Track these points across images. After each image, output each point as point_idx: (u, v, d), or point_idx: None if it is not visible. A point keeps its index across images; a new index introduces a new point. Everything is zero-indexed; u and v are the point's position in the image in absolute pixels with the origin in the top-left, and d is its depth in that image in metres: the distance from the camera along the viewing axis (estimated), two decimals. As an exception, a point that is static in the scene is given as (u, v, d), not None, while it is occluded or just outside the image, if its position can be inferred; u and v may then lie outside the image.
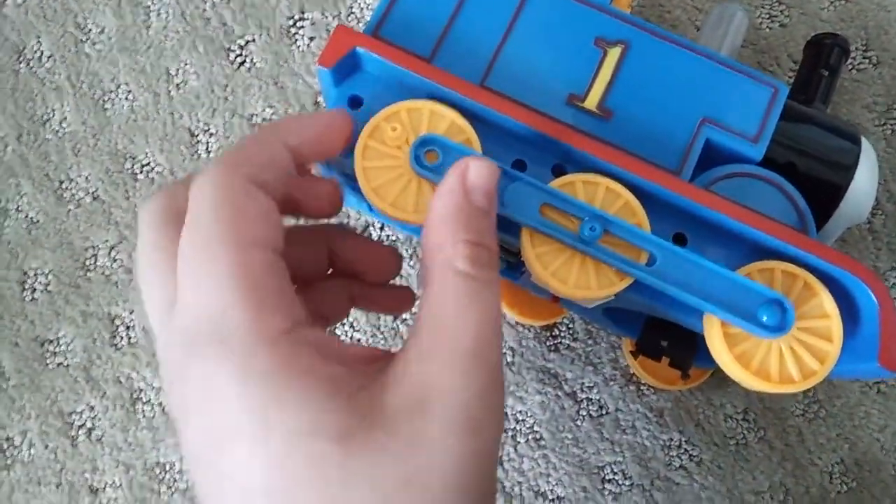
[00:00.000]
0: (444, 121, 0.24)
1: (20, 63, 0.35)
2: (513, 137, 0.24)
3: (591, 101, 0.25)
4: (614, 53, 0.26)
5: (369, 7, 0.35)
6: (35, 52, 0.35)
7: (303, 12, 0.35)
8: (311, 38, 0.35)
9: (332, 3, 0.35)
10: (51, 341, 0.33)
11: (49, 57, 0.35)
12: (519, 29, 0.26)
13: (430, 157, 0.23)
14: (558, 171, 0.24)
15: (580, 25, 0.26)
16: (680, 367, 0.27)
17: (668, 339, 0.27)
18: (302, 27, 0.35)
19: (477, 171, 0.20)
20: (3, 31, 0.35)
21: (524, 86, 0.25)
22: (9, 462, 0.32)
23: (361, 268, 0.24)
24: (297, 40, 0.35)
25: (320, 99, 0.34)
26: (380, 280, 0.25)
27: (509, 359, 0.33)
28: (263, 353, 0.16)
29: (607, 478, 0.32)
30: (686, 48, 0.26)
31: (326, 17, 0.35)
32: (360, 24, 0.35)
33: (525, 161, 0.25)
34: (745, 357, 0.22)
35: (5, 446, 0.32)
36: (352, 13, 0.35)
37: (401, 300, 0.26)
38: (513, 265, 0.29)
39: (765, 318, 0.22)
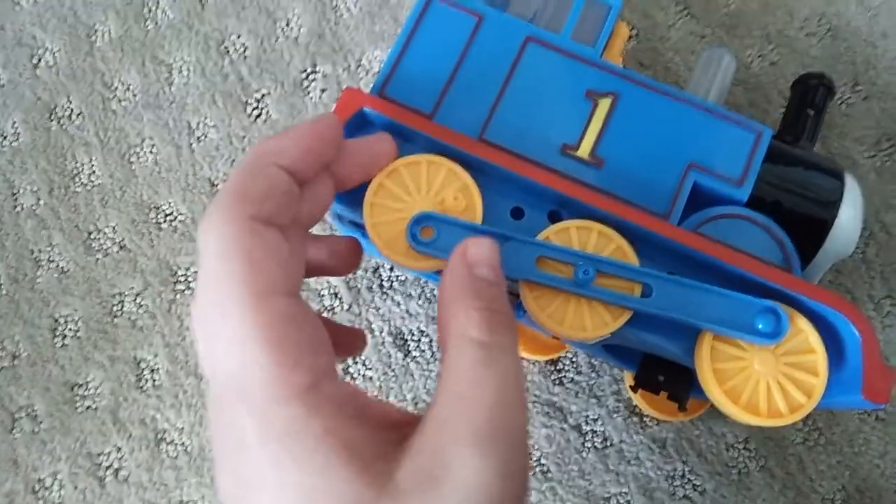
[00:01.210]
0: (442, 170, 0.25)
1: (52, 121, 0.38)
2: (510, 186, 0.26)
3: (584, 150, 0.27)
4: (604, 104, 0.27)
5: (377, 59, 0.37)
6: (66, 110, 0.38)
7: (314, 66, 0.37)
8: (323, 90, 0.37)
9: (341, 57, 0.37)
10: (80, 385, 0.35)
11: (78, 114, 0.37)
12: (515, 83, 0.28)
13: (425, 233, 0.24)
14: (554, 217, 0.26)
15: (572, 78, 0.27)
16: (676, 401, 0.28)
17: (664, 373, 0.28)
18: (314, 80, 0.37)
19: (476, 248, 0.20)
20: (36, 91, 0.38)
21: (520, 137, 0.27)
22: (40, 503, 0.34)
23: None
24: (309, 92, 0.37)
25: (331, 147, 0.36)
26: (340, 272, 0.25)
27: (516, 392, 0.34)
28: (281, 414, 0.16)
29: (614, 508, 0.33)
30: (673, 97, 0.27)
31: (337, 70, 0.37)
32: (369, 76, 0.37)
33: (522, 208, 0.26)
34: (735, 392, 0.23)
35: (37, 488, 0.34)
36: (360, 65, 0.37)
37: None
38: (514, 305, 0.31)
39: (760, 327, 0.23)
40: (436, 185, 0.25)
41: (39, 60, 0.38)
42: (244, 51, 0.38)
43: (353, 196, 0.26)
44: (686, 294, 0.24)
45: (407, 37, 0.28)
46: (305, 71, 0.37)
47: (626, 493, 0.33)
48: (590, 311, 0.24)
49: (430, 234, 0.24)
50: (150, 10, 0.39)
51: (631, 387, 0.30)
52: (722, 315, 0.23)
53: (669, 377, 0.28)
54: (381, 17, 0.38)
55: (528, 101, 0.27)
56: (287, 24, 0.38)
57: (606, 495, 0.33)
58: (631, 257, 0.25)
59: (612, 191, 0.26)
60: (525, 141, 0.27)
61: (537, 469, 0.33)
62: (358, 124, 0.27)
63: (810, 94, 0.31)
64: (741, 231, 0.26)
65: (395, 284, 0.35)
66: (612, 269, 0.24)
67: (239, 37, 0.38)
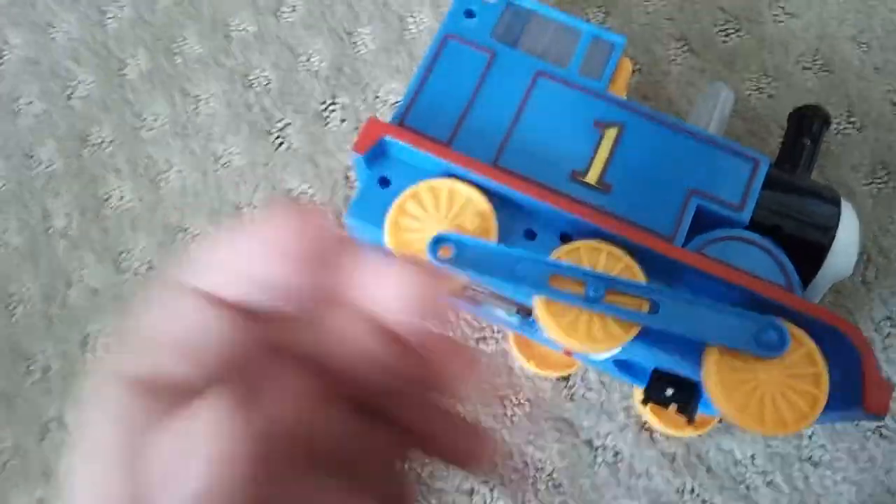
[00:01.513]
0: (460, 194, 0.27)
1: (84, 148, 0.39)
2: (524, 210, 0.28)
3: (592, 177, 0.28)
4: (611, 134, 0.29)
5: (394, 91, 0.39)
6: (98, 138, 0.40)
7: (334, 98, 0.39)
8: (343, 120, 0.39)
9: (360, 90, 0.39)
10: (108, 400, 0.36)
11: (110, 142, 0.39)
12: (527, 113, 0.29)
13: (443, 252, 0.26)
14: (565, 239, 0.28)
15: (580, 109, 0.29)
16: (685, 414, 0.29)
17: (673, 387, 0.29)
18: (334, 111, 0.39)
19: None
20: (70, 120, 0.40)
21: (533, 163, 0.28)
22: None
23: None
24: (329, 122, 0.39)
25: (350, 174, 0.38)
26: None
27: (527, 409, 0.35)
28: None
29: (624, 522, 0.34)
30: (675, 127, 0.29)
31: (355, 102, 0.39)
32: (386, 107, 0.39)
33: (535, 231, 0.28)
34: (741, 403, 0.25)
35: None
36: (377, 97, 0.39)
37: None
38: (529, 321, 0.32)
39: (763, 341, 0.24)
40: (454, 208, 0.27)
41: (73, 92, 0.40)
42: (267, 83, 0.40)
43: (371, 212, 0.27)
44: (692, 311, 0.25)
45: (425, 71, 0.30)
46: (325, 102, 0.39)
47: (635, 507, 0.34)
48: (601, 325, 0.25)
49: (448, 252, 0.26)
50: (178, 46, 0.41)
51: (641, 401, 0.31)
52: (726, 330, 0.25)
53: (678, 391, 0.29)
54: (396, 52, 0.40)
55: (539, 130, 0.29)
56: (308, 59, 0.40)
57: (617, 510, 0.34)
58: (638, 276, 0.26)
59: (619, 214, 0.28)
60: (537, 167, 0.28)
61: (549, 483, 0.34)
62: (379, 152, 0.28)
63: (806, 125, 0.33)
64: (743, 253, 0.27)
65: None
66: (621, 287, 0.25)
67: (263, 70, 0.40)
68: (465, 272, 0.26)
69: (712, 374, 0.25)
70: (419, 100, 0.29)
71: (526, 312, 0.31)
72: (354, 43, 0.40)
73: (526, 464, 0.35)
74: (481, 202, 0.27)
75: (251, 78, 0.40)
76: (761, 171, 0.28)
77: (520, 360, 0.35)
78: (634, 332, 0.25)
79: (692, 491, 0.34)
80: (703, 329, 0.25)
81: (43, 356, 0.37)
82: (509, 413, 0.35)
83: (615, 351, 0.26)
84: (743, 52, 0.40)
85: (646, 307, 0.25)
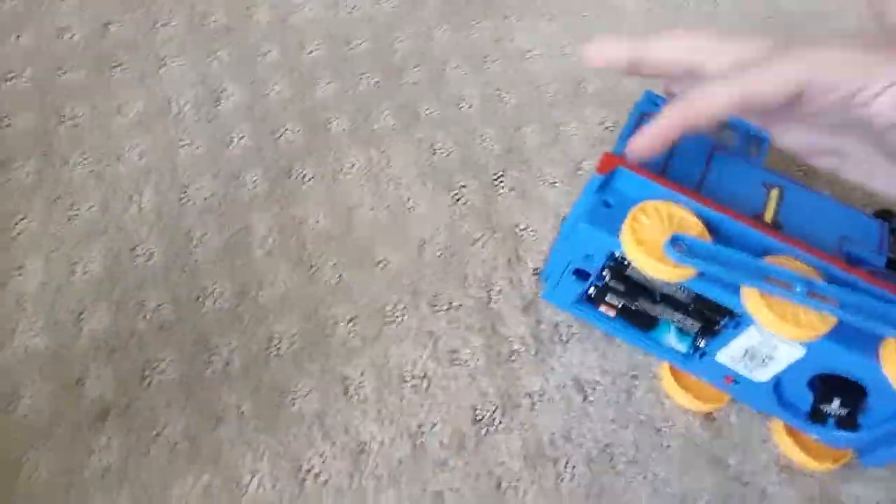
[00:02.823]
0: (678, 213, 0.34)
1: (287, 179, 0.45)
2: (721, 234, 0.35)
3: (768, 217, 0.36)
4: (775, 193, 0.37)
5: (550, 175, 0.47)
6: (300, 174, 0.45)
7: (503, 171, 0.47)
8: (512, 189, 0.46)
9: (526, 167, 0.48)
10: (290, 392, 0.38)
11: (311, 178, 0.45)
12: (709, 175, 0.38)
13: (678, 249, 0.32)
14: (758, 259, 0.34)
15: (750, 174, 0.38)
16: (849, 425, 0.34)
17: (839, 395, 0.34)
18: (503, 181, 0.47)
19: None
20: (276, 156, 0.46)
21: (724, 204, 0.36)
22: (235, 500, 0.34)
23: None
24: (499, 191, 0.46)
25: (517, 228, 0.45)
26: None
27: (681, 442, 0.39)
28: None
29: (776, 554, 0.36)
30: (818, 193, 0.38)
31: (522, 177, 0.47)
32: (545, 185, 0.47)
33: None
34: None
35: (234, 485, 0.35)
36: (540, 177, 0.47)
37: None
38: (694, 351, 0.37)
39: None
40: (675, 223, 0.34)
41: (281, 136, 0.47)
42: (449, 153, 0.48)
43: (600, 223, 0.34)
44: (875, 306, 0.31)
45: (631, 130, 0.38)
46: (497, 174, 0.47)
47: (785, 540, 0.36)
48: (805, 315, 0.31)
49: (682, 248, 0.32)
50: (375, 117, 0.49)
51: (809, 414, 0.36)
52: None
53: (844, 398, 0.34)
54: (554, 146, 0.49)
55: (721, 186, 0.37)
56: (482, 141, 0.49)
57: (769, 541, 0.36)
58: (824, 286, 0.33)
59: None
60: (728, 207, 0.36)
61: (706, 511, 0.37)
62: (609, 179, 0.36)
63: None
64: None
65: (573, 339, 0.41)
66: (819, 289, 0.32)
67: (444, 143, 0.48)
68: (696, 264, 0.32)
69: (893, 363, 0.31)
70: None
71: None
72: (523, 137, 0.49)
73: (683, 493, 0.37)
74: (696, 222, 0.34)
75: (435, 147, 0.48)
76: (885, 228, 0.37)
77: (672, 395, 0.40)
78: (832, 323, 0.31)
79: (832, 530, 0.37)
80: (884, 323, 0.31)
81: (227, 349, 0.39)
82: (664, 444, 0.39)
83: (816, 337, 0.31)
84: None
85: (836, 305, 0.32)
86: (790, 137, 0.38)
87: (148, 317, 0.39)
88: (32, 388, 0.36)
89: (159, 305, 0.40)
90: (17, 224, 0.42)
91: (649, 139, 0.34)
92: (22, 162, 0.44)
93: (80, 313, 0.39)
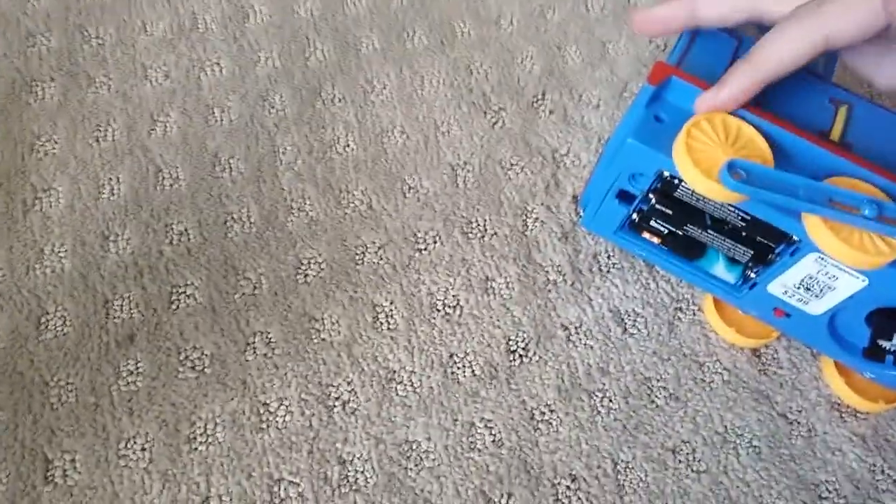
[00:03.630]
0: (734, 126, 0.31)
1: (317, 100, 0.43)
2: (785, 153, 0.32)
3: (835, 136, 0.33)
4: (843, 110, 0.34)
5: (595, 97, 0.44)
6: (329, 94, 0.43)
7: (543, 94, 0.44)
8: (551, 111, 0.44)
9: (567, 90, 0.45)
10: (318, 319, 0.37)
11: (341, 99, 0.43)
12: (775, 88, 0.34)
13: (735, 177, 0.29)
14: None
15: (816, 89, 0.35)
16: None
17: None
18: (543, 105, 0.44)
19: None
20: (305, 76, 0.44)
21: (791, 122, 0.33)
22: (263, 426, 0.34)
23: None
24: (539, 112, 0.44)
25: (556, 153, 0.42)
26: None
27: (725, 377, 0.37)
28: None
29: (823, 495, 0.34)
30: (888, 109, 0.34)
31: (563, 99, 0.44)
32: (589, 108, 0.44)
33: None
34: None
35: (262, 410, 0.34)
36: (581, 99, 0.44)
37: None
38: (744, 281, 0.35)
39: None
40: (738, 142, 0.31)
41: (310, 56, 0.45)
42: (487, 75, 0.45)
43: (649, 139, 0.31)
44: None
45: (688, 41, 0.35)
46: (536, 96, 0.44)
47: (833, 481, 0.35)
48: (871, 241, 0.29)
49: (739, 177, 0.29)
50: (408, 34, 0.46)
51: (864, 350, 0.33)
52: None
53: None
54: (600, 66, 0.46)
55: (785, 99, 0.34)
56: (522, 61, 0.46)
57: (816, 482, 0.34)
58: (895, 209, 0.30)
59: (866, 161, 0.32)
60: (791, 122, 0.33)
61: (750, 450, 0.35)
62: (657, 93, 0.33)
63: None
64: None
65: (613, 269, 0.39)
66: (890, 212, 0.29)
67: (482, 65, 0.45)
68: (756, 191, 0.29)
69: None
70: (690, 52, 0.34)
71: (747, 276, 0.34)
72: (564, 56, 0.46)
73: (725, 428, 0.36)
74: (762, 142, 0.31)
75: (472, 68, 0.45)
76: None
77: (716, 330, 0.38)
78: (897, 250, 0.29)
79: (883, 472, 0.35)
80: None
81: (254, 273, 0.38)
82: (707, 379, 0.37)
83: (885, 263, 0.29)
84: None
85: None
86: (886, 76, 0.34)
87: (175, 240, 0.38)
88: (60, 310, 0.36)
89: (186, 229, 0.39)
90: (42, 146, 0.41)
91: (723, 105, 0.32)
92: (47, 83, 0.43)
93: (107, 236, 0.38)
